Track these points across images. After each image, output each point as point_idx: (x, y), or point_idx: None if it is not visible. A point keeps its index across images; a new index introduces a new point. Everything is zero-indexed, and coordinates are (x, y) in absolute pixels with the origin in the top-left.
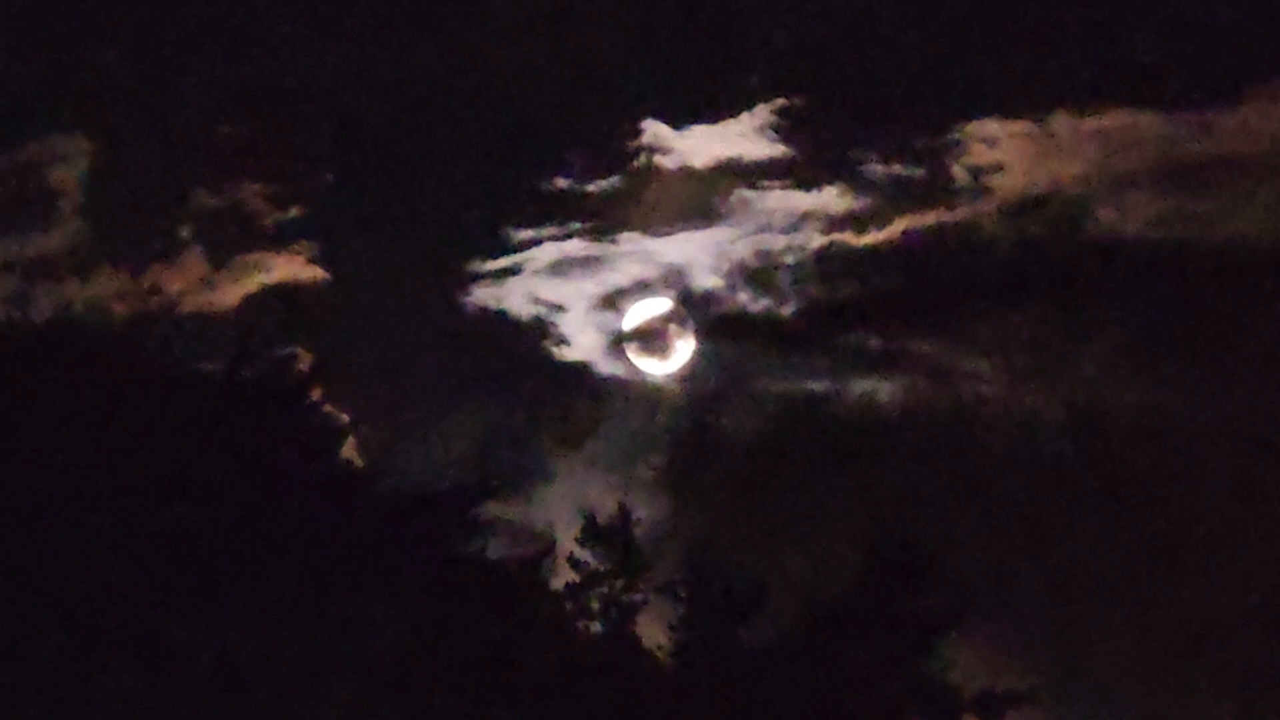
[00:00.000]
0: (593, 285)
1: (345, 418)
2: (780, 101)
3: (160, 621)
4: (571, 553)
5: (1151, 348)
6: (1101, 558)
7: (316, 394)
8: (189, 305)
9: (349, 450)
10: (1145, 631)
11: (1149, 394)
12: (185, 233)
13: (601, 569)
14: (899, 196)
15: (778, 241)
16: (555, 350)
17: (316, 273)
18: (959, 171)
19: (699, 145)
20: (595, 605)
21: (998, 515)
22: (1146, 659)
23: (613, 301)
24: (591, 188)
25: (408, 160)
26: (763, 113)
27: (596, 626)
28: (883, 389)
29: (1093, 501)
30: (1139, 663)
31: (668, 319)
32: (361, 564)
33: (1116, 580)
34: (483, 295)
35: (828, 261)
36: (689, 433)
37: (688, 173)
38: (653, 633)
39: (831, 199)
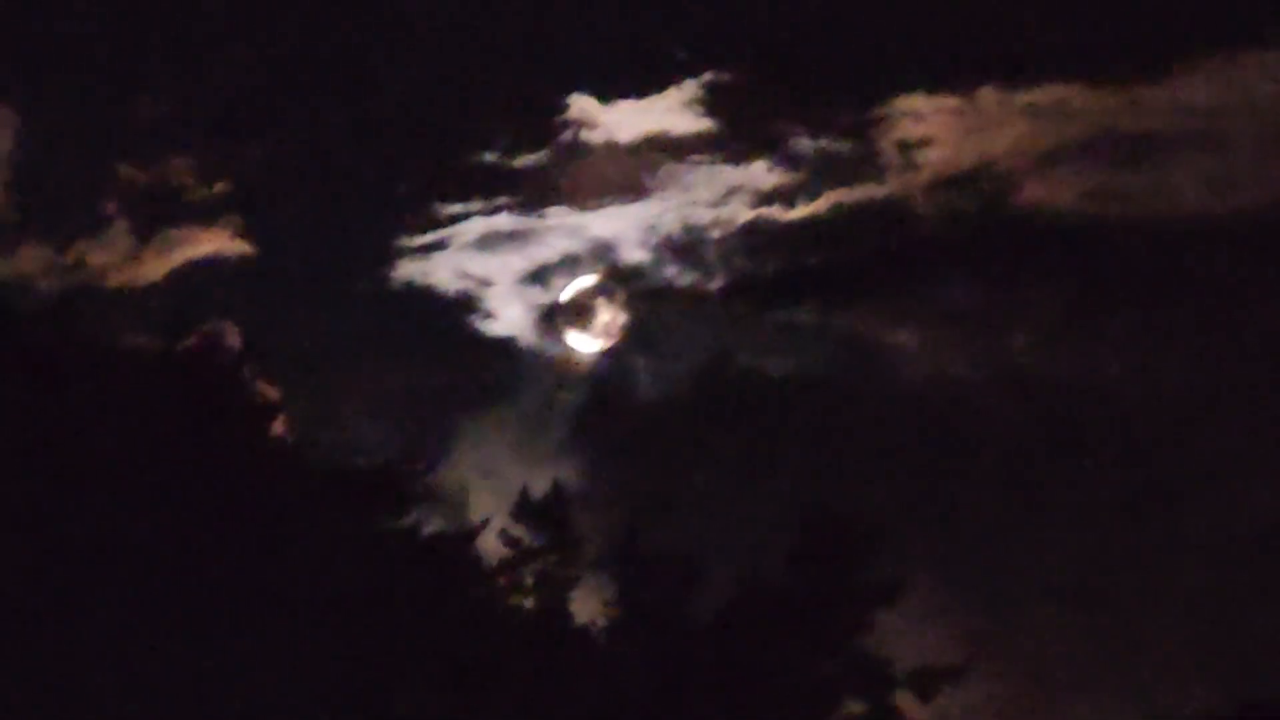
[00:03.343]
0: (520, 260)
1: (275, 394)
2: (707, 76)
3: (84, 598)
4: (504, 529)
5: (1079, 320)
6: (1035, 529)
7: (246, 371)
8: (115, 280)
9: (279, 426)
10: (1080, 602)
11: (1077, 365)
12: (111, 208)
13: (535, 545)
14: (827, 171)
15: (705, 216)
16: (482, 324)
17: (243, 247)
18: (887, 146)
19: (626, 120)
20: (528, 582)
21: (931, 489)
22: (1082, 630)
23: (540, 276)
24: (518, 162)
25: (334, 135)
26: (690, 87)
27: (529, 603)
28: (811, 363)
29: (1025, 473)
30: (1075, 634)
31: (595, 293)
32: (292, 540)
33: (1051, 552)
34: (410, 270)
35: (755, 236)
36: (616, 407)
37: (615, 147)
38: (587, 609)
39: (759, 174)
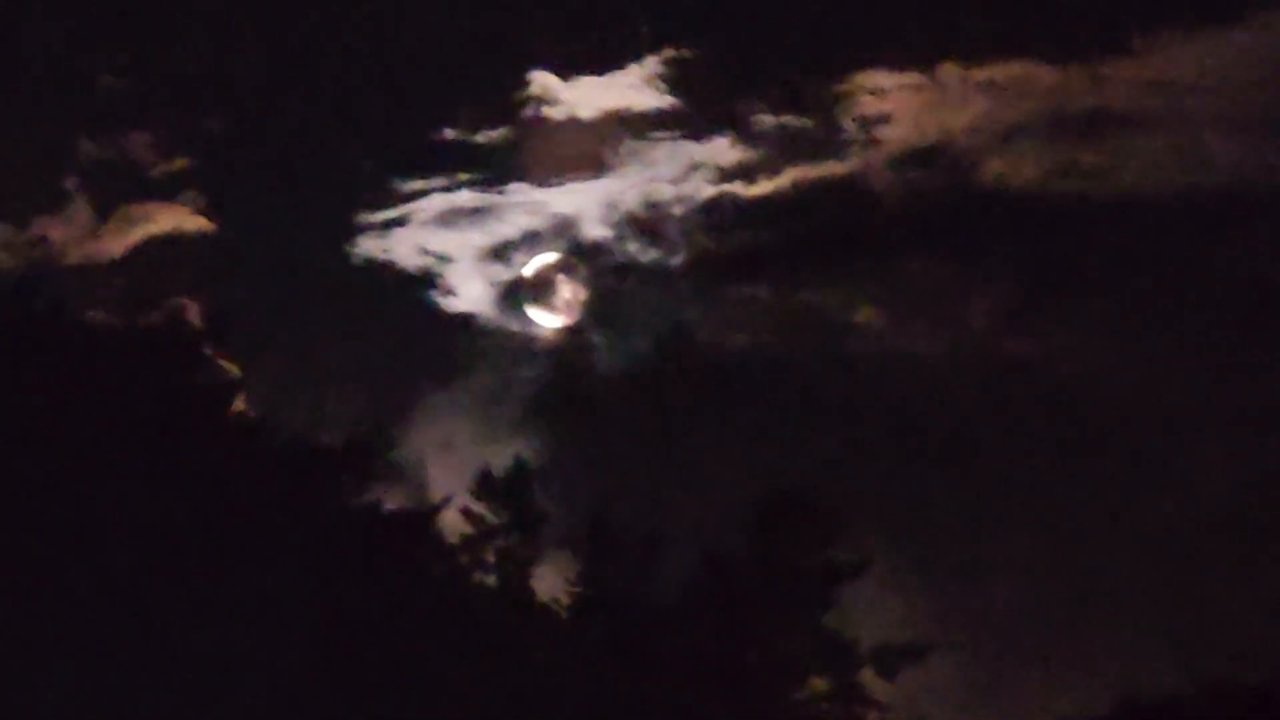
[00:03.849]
0: (481, 236)
1: (237, 370)
2: (669, 53)
3: (48, 570)
4: (465, 505)
5: (1039, 297)
6: (996, 505)
7: (207, 347)
8: (75, 256)
9: (239, 402)
10: (1043, 578)
11: (1037, 341)
12: (71, 184)
13: (497, 523)
14: (788, 147)
15: (667, 192)
16: (443, 301)
17: (203, 224)
18: (848, 123)
19: (587, 96)
20: (490, 559)
21: (892, 464)
22: (1046, 607)
23: (501, 252)
24: (480, 139)
25: (295, 112)
26: (651, 64)
27: (491, 580)
28: (772, 339)
29: (985, 449)
30: (1040, 609)
31: (557, 269)
32: (255, 517)
33: (1013, 528)
34: (371, 246)
35: (717, 212)
36: (578, 382)
37: (576, 124)
38: (549, 587)
39: (721, 150)
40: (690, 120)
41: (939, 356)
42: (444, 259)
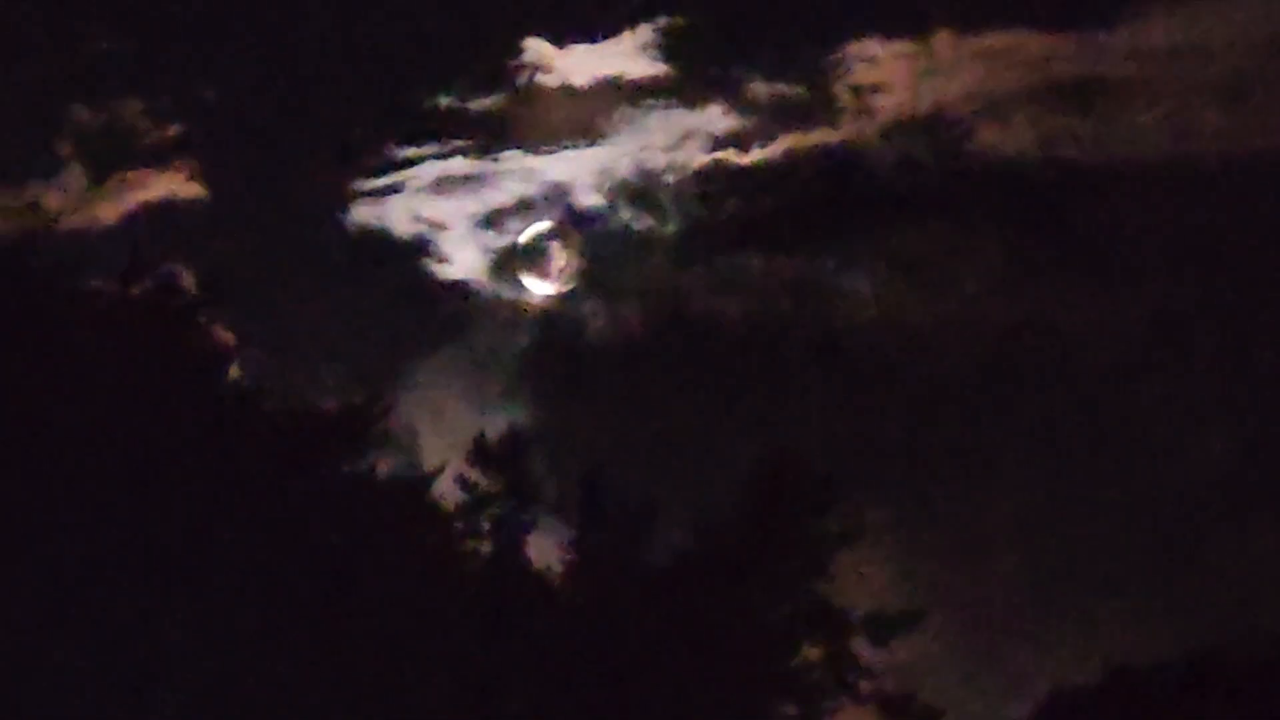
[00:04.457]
0: (474, 204)
1: (231, 338)
2: (662, 20)
3: (40, 537)
4: (461, 473)
5: (1032, 266)
6: (987, 475)
7: (201, 314)
8: (69, 223)
9: (234, 370)
10: (1036, 548)
11: (1030, 310)
12: (64, 150)
13: (492, 490)
14: (781, 116)
15: (660, 160)
16: (436, 268)
17: (197, 190)
18: (841, 91)
19: (581, 63)
20: (485, 526)
21: (884, 434)
22: (1038, 576)
23: (494, 220)
24: (473, 106)
25: (288, 77)
26: (645, 31)
27: (486, 548)
28: (765, 307)
29: (978, 419)
30: (1033, 576)
31: (550, 237)
32: (251, 485)
33: (1004, 497)
34: (364, 213)
35: (711, 180)
36: (570, 350)
37: (570, 91)
38: (544, 554)
39: (715, 117)
40: (683, 88)
41: (931, 324)
42: (438, 226)
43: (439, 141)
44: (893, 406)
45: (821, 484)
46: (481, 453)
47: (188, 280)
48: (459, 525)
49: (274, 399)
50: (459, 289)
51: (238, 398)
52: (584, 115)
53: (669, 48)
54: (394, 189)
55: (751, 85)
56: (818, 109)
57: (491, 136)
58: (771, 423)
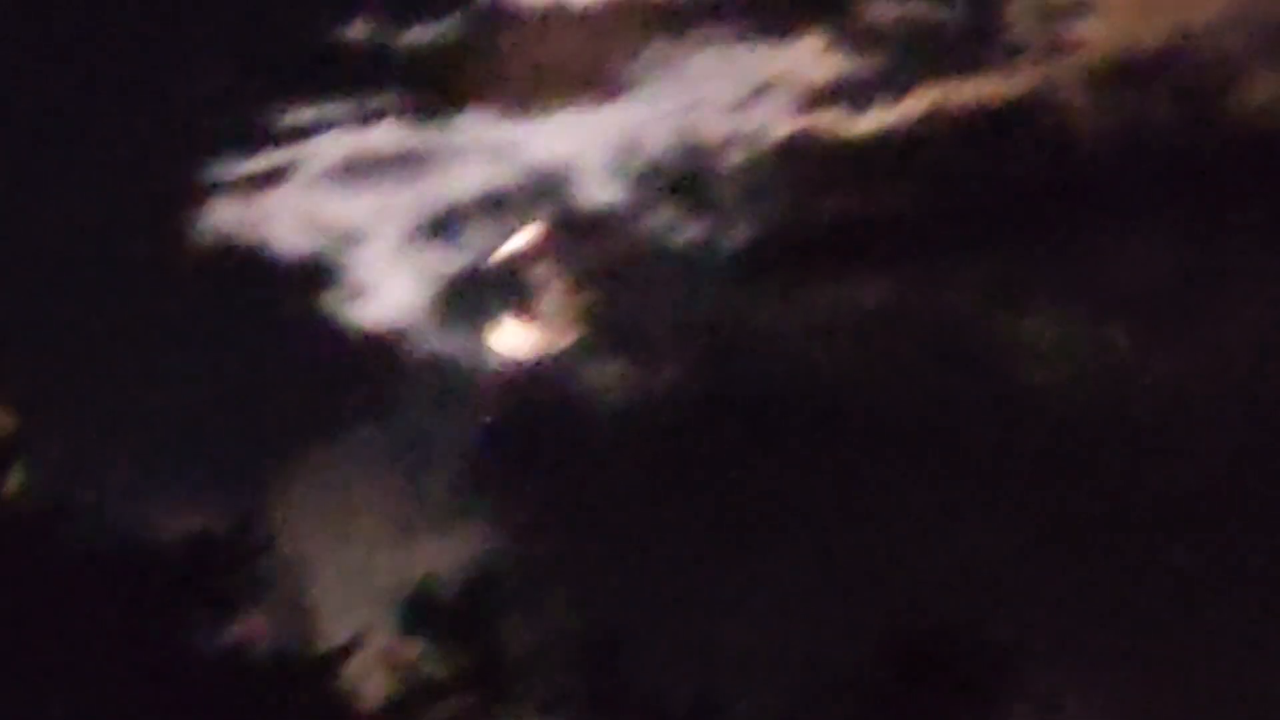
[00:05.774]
0: (409, 198)
1: (10, 423)
2: None
3: None
4: (389, 647)
5: None
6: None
7: None
8: None
9: (16, 478)
10: None
11: None
12: None
13: (439, 677)
14: (919, 54)
15: (716, 128)
16: (347, 307)
17: None
18: (1019, 14)
19: None
20: None
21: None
22: None
23: (443, 226)
24: (406, 39)
25: (108, 6)
26: None
27: None
28: (877, 363)
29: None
30: None
31: (535, 255)
32: (29, 676)
33: None
34: (224, 216)
35: (799, 161)
36: (563, 437)
37: (566, 14)
38: None
39: (808, 56)
40: (755, 5)
41: (1171, 386)
42: (349, 237)
43: (351, 96)
44: (1104, 523)
45: (994, 661)
46: (421, 612)
47: None
48: None
49: (80, 524)
50: (383, 341)
51: (24, 521)
52: (590, 53)
53: None
54: (277, 176)
55: (871, 4)
56: (979, 43)
57: (437, 90)
58: (898, 557)
